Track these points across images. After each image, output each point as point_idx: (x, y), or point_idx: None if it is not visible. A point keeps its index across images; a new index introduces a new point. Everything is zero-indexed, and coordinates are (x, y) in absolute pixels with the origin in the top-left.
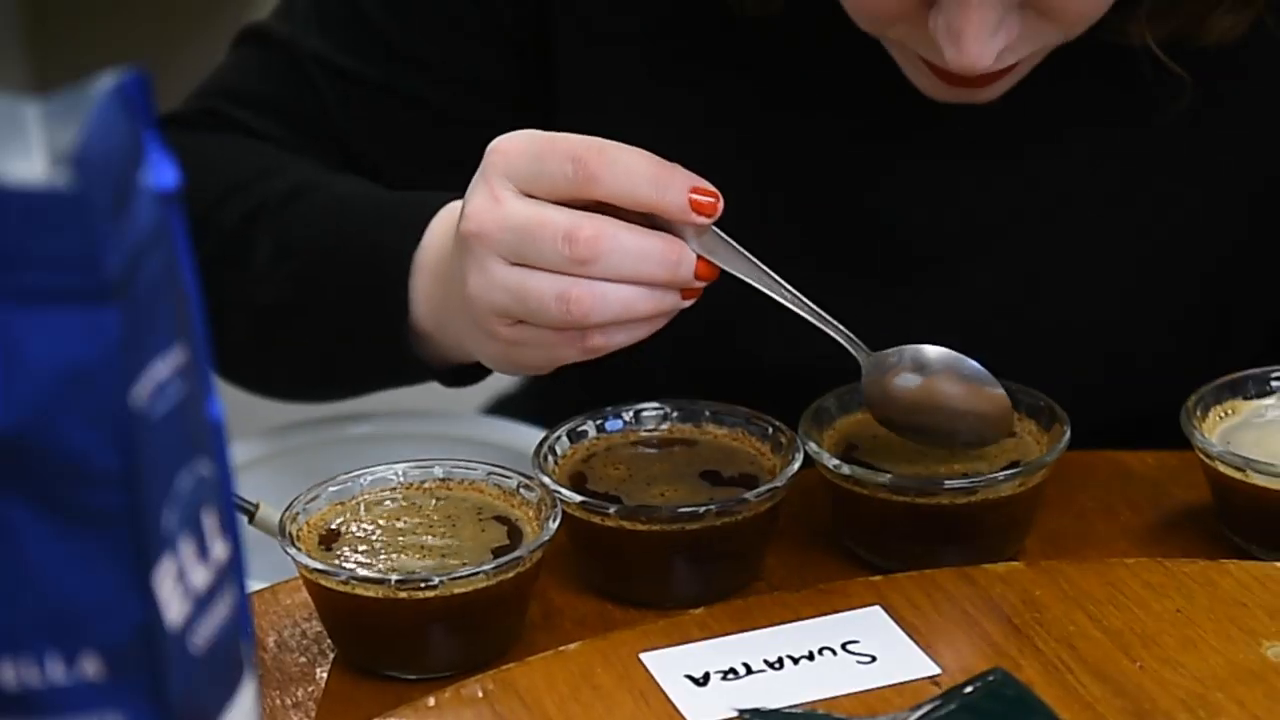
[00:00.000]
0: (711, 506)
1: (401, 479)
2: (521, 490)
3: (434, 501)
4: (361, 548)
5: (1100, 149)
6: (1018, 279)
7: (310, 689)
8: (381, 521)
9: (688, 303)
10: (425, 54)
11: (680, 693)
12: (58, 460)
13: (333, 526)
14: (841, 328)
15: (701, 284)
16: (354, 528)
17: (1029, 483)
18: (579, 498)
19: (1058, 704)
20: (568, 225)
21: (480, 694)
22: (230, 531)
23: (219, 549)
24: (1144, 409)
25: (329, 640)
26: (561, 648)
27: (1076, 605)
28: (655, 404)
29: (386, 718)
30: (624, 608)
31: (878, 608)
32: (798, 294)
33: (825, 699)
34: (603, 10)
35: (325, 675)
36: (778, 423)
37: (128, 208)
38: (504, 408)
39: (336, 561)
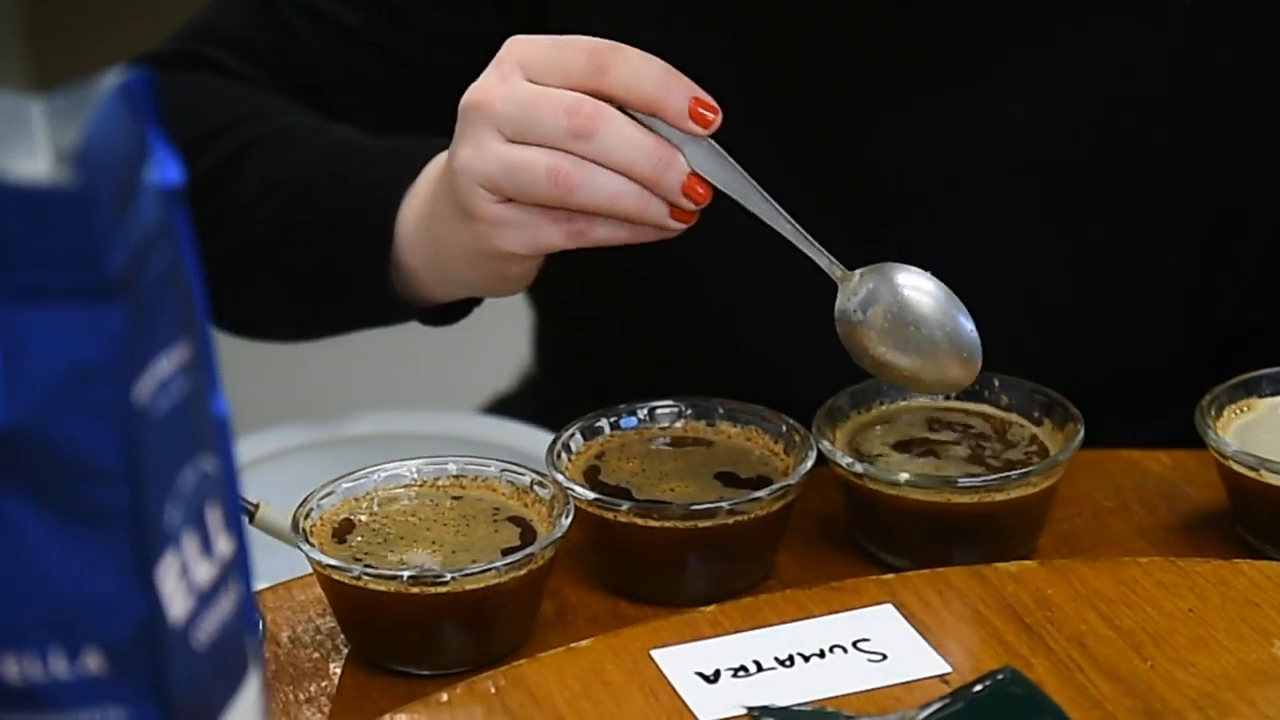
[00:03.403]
0: (723, 504)
1: (415, 476)
2: (535, 488)
3: (448, 499)
4: (375, 543)
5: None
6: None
7: (324, 684)
8: (395, 518)
9: (676, 226)
10: (419, 14)
11: (690, 689)
12: (61, 457)
13: (346, 522)
14: (822, 249)
15: (690, 205)
16: (367, 523)
17: (1042, 482)
18: (591, 494)
19: (1068, 703)
20: (571, 100)
21: (492, 689)
22: (235, 527)
23: (223, 545)
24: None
25: (342, 636)
26: (573, 644)
27: (1088, 604)
28: (669, 401)
29: (398, 713)
30: (637, 605)
31: (889, 606)
32: (788, 217)
33: (835, 696)
34: None
35: (339, 671)
36: (792, 421)
37: (131, 205)
38: (504, 408)
39: (349, 557)
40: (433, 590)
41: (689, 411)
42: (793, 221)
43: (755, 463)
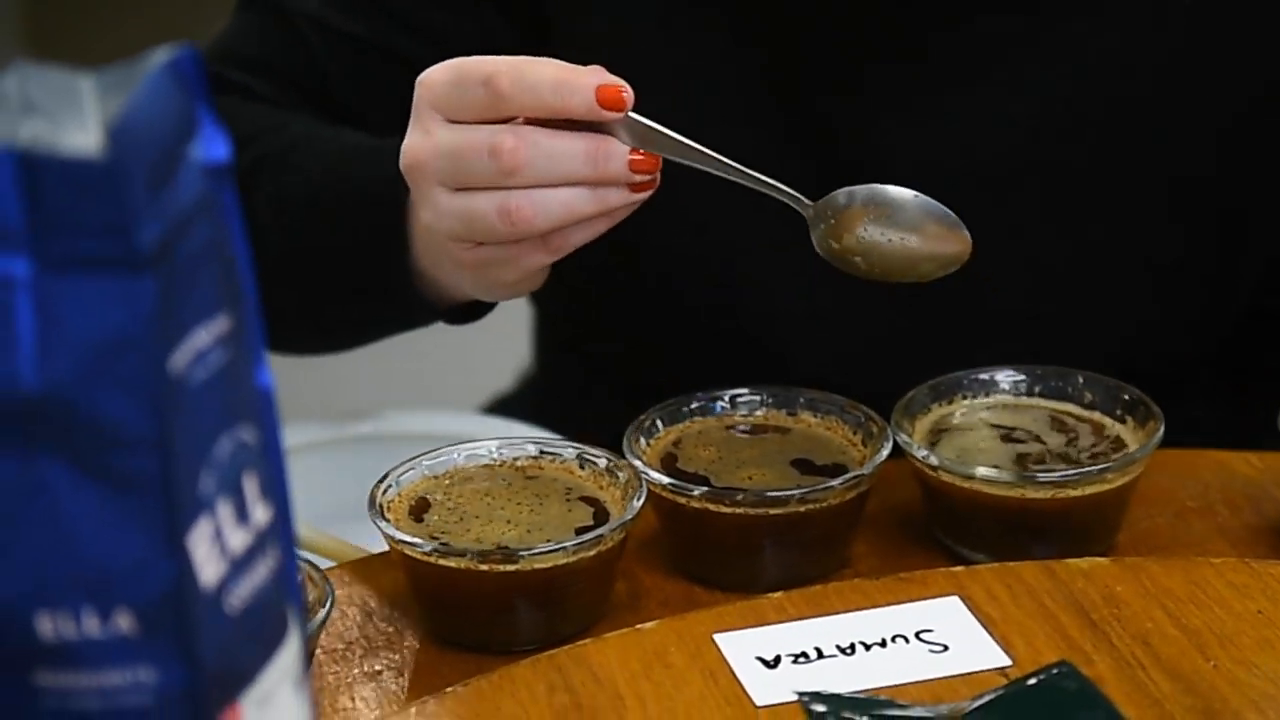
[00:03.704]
0: (794, 492)
1: (494, 456)
2: (610, 471)
3: (522, 478)
4: (451, 521)
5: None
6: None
7: (396, 659)
8: (471, 496)
9: (641, 196)
10: (420, 14)
11: (749, 674)
12: (92, 424)
13: (424, 499)
14: (782, 186)
15: (643, 176)
16: (444, 501)
17: (1119, 479)
18: (666, 479)
19: (1126, 700)
20: (489, 140)
21: (554, 667)
22: (276, 497)
23: (260, 513)
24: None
25: (417, 612)
26: (638, 626)
27: (1156, 602)
28: (749, 389)
29: (460, 685)
30: (710, 591)
31: (956, 598)
32: (736, 164)
33: (892, 685)
34: None
35: (412, 646)
36: (870, 411)
37: (172, 179)
38: (504, 408)
39: (424, 534)
40: (502, 568)
41: (770, 399)
42: (743, 168)
43: (833, 450)
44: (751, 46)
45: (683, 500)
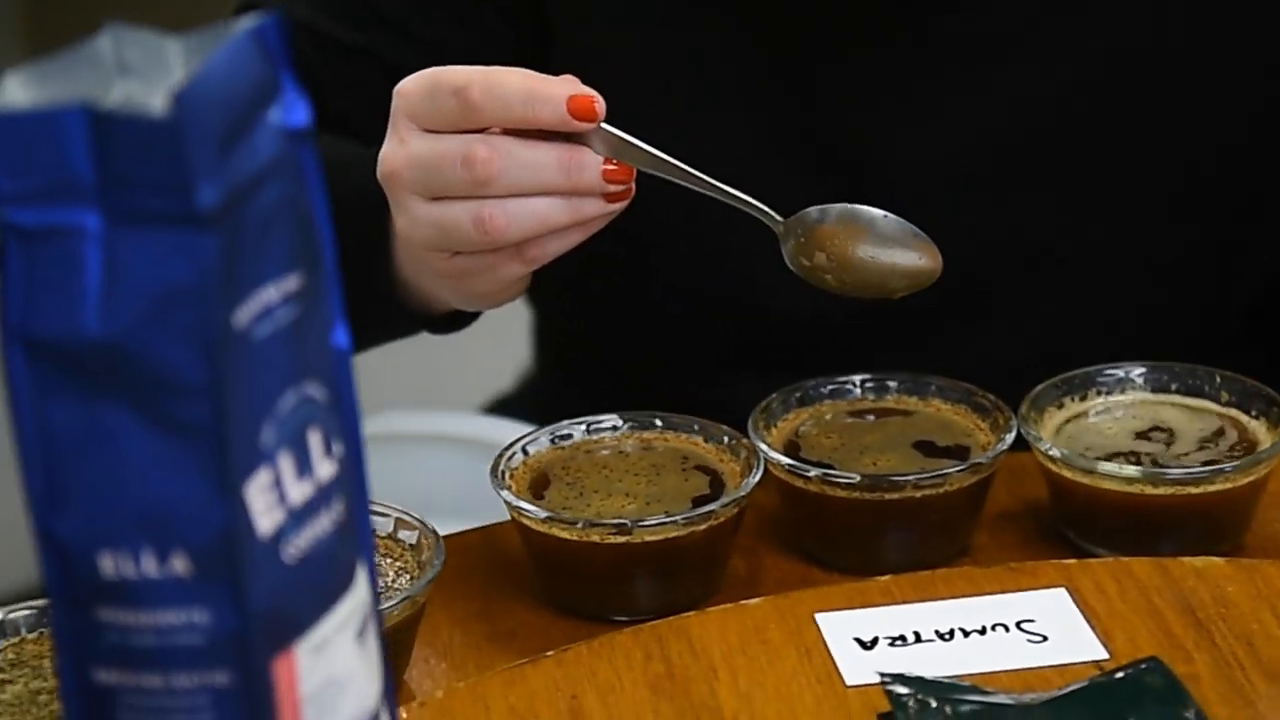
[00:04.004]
0: (911, 477)
1: (618, 428)
2: (732, 448)
3: (645, 451)
4: (571, 494)
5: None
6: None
7: (510, 624)
8: (589, 469)
9: (616, 206)
10: (412, 22)
11: (844, 654)
12: (152, 371)
13: (544, 471)
14: (754, 201)
15: (617, 186)
16: (567, 472)
17: (1244, 478)
18: (786, 460)
19: (1219, 699)
20: (463, 150)
21: (654, 637)
22: (348, 453)
23: (324, 467)
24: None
25: (534, 579)
26: (743, 601)
27: (1266, 604)
28: (872, 374)
29: (560, 650)
30: (827, 573)
31: (1063, 590)
32: (707, 178)
33: (983, 673)
34: None
35: (526, 611)
36: (999, 401)
37: (246, 140)
38: (504, 408)
39: (543, 504)
40: (615, 539)
41: (896, 386)
42: (715, 182)
43: (956, 433)
44: (752, 47)
45: (799, 482)
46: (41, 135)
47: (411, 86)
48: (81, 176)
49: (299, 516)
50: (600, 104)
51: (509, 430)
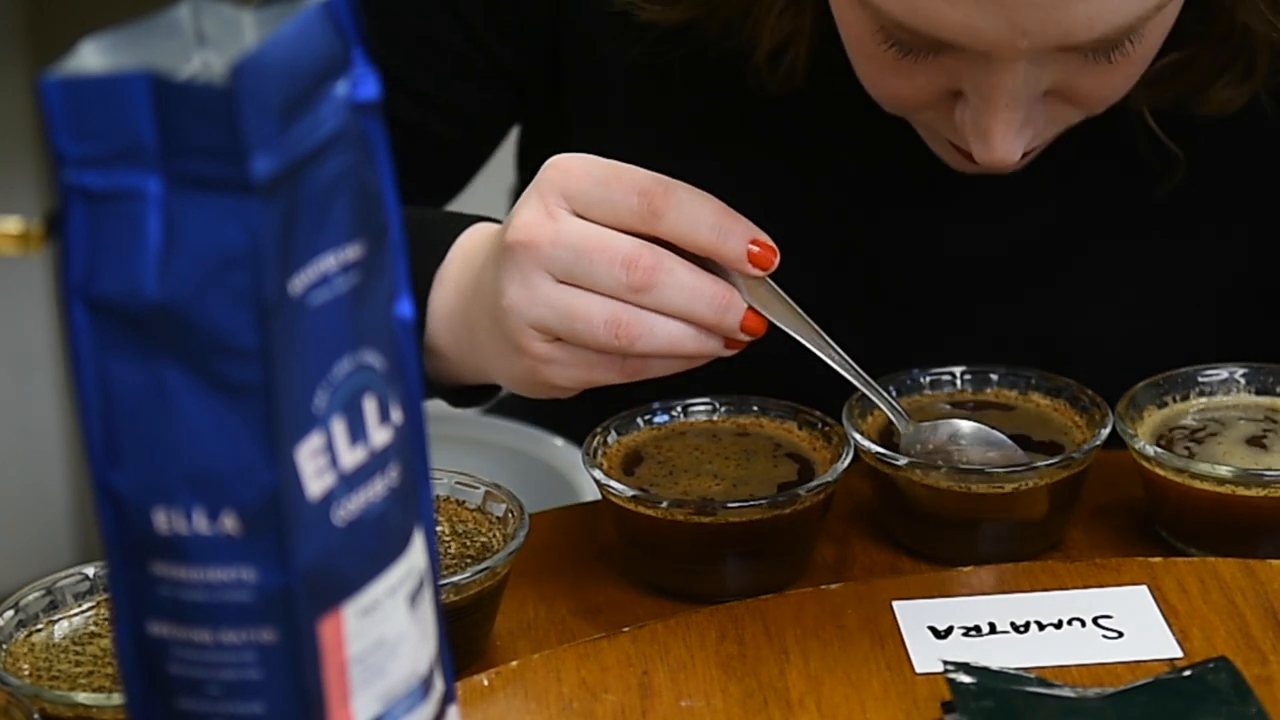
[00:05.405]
0: (999, 469)
1: (712, 412)
2: (825, 434)
3: (735, 435)
4: (660, 474)
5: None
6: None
7: (598, 599)
8: (681, 451)
9: (730, 352)
10: (424, 86)
11: (917, 641)
12: (206, 333)
13: (636, 451)
14: (886, 395)
15: (748, 337)
16: (658, 453)
17: None
18: (875, 448)
19: None
20: (629, 251)
21: (731, 618)
22: (407, 421)
23: (379, 434)
24: None
25: (623, 558)
26: (823, 586)
27: None
28: (969, 367)
29: (636, 626)
30: (915, 561)
31: (1144, 588)
32: (845, 355)
33: (1056, 666)
34: (619, 92)
35: (613, 587)
36: (1097, 397)
37: (307, 110)
38: (504, 408)
39: (633, 483)
40: (699, 519)
41: (996, 379)
42: (854, 364)
43: (1053, 429)
44: (763, 190)
45: (888, 470)
46: (107, 101)
47: (577, 166)
48: (144, 142)
49: (351, 481)
50: (778, 256)
51: (509, 430)
